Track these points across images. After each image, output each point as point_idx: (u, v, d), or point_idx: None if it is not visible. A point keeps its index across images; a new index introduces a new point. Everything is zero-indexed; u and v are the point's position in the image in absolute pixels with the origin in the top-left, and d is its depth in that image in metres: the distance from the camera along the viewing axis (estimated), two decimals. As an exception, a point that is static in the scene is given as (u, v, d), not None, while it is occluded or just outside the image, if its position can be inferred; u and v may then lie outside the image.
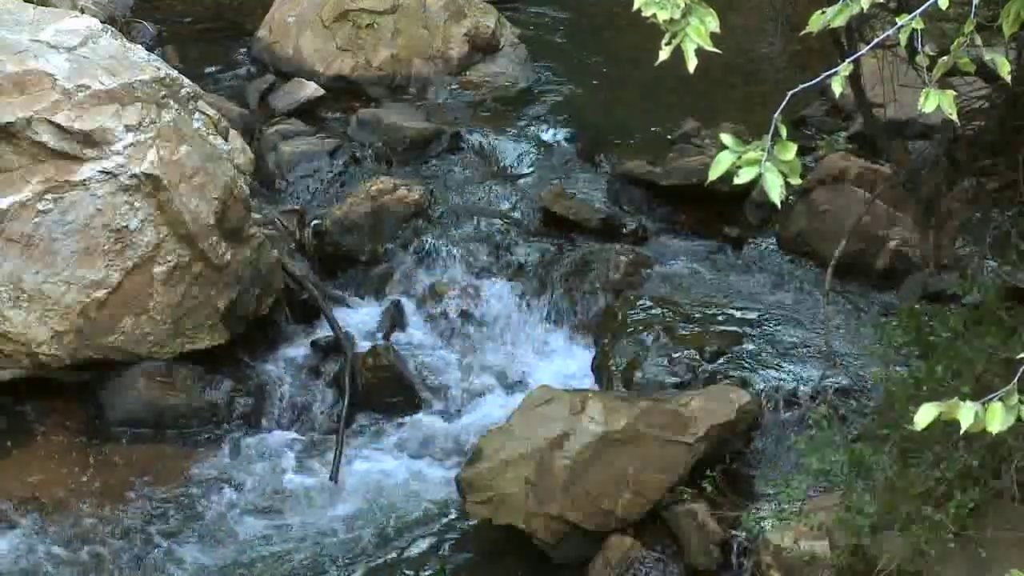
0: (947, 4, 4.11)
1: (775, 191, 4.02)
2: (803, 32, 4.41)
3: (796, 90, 4.25)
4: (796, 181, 4.05)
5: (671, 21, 4.12)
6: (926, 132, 10.17)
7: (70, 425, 9.69)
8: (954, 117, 4.25)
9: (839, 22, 4.26)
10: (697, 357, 9.69)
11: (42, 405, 9.73)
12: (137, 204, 9.48)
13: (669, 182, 11.37)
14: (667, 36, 4.15)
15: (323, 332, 10.32)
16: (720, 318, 10.17)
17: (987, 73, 5.99)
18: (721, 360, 9.70)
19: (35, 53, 9.54)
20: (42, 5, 10.71)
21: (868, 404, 8.66)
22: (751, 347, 9.89)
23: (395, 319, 10.54)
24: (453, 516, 9.14)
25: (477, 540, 9.00)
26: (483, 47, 13.33)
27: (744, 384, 9.38)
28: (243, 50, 13.47)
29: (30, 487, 9.23)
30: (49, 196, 9.37)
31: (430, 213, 11.12)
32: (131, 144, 9.45)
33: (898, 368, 7.76)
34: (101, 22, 10.20)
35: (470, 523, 8.97)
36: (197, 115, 9.98)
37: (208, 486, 9.36)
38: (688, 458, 8.69)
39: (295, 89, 12.71)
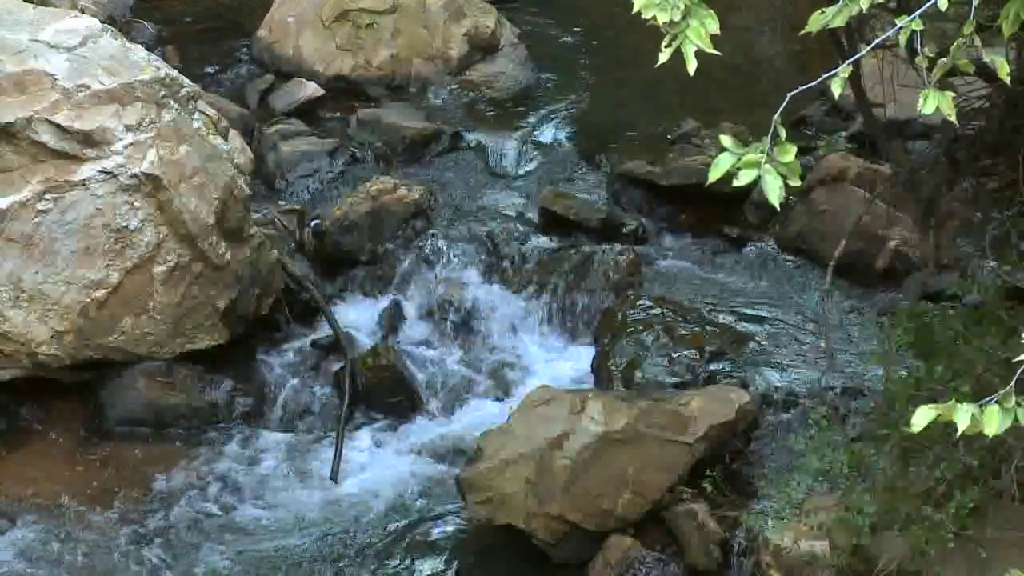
0: (947, 5, 4.11)
1: (774, 193, 4.03)
2: (803, 32, 4.41)
3: (796, 91, 4.26)
4: (796, 183, 4.05)
5: (671, 23, 4.12)
6: (926, 132, 10.18)
7: (70, 425, 9.69)
8: (953, 119, 4.25)
9: (839, 22, 4.27)
10: (697, 357, 9.69)
11: (42, 405, 9.73)
12: (137, 204, 9.48)
13: (669, 182, 11.37)
14: (667, 38, 4.15)
15: (323, 332, 10.32)
16: (720, 318, 10.17)
17: (987, 73, 6.00)
18: (721, 360, 9.70)
19: (35, 53, 9.54)
20: (42, 5, 10.70)
21: (868, 404, 8.65)
22: (751, 347, 9.89)
23: (395, 319, 10.54)
24: (453, 516, 9.14)
25: (477, 540, 8.99)
26: (483, 47, 13.33)
27: (744, 384, 9.38)
28: (243, 50, 13.46)
29: (30, 487, 9.23)
30: (49, 196, 9.37)
31: (430, 213, 11.11)
32: (131, 144, 9.45)
33: (898, 367, 7.76)
34: (101, 22, 10.20)
35: (470, 523, 8.97)
36: (197, 115, 9.98)
37: (208, 486, 9.37)
38: (688, 458, 8.69)
39: (295, 89, 12.71)
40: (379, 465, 9.63)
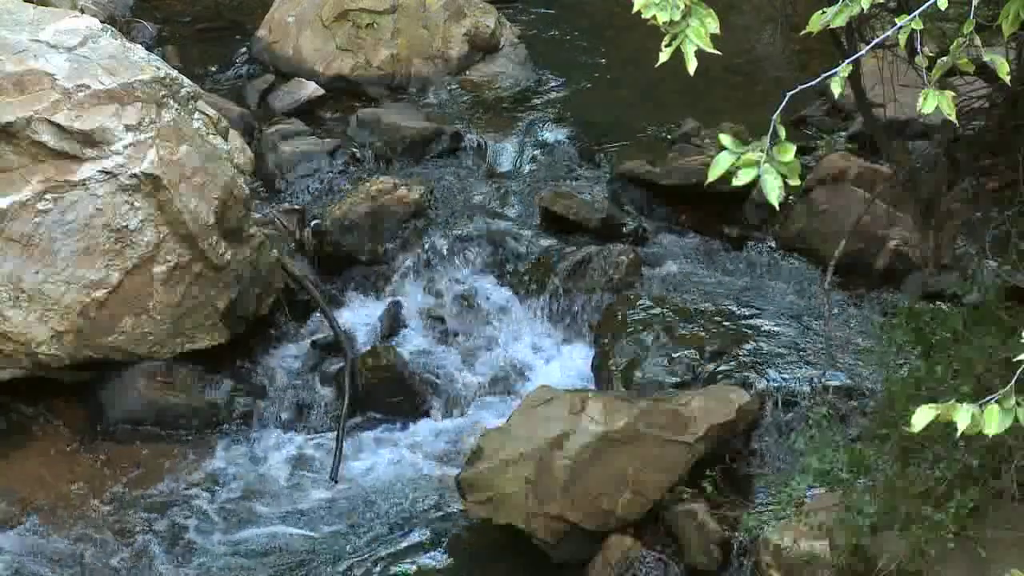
0: (947, 4, 4.11)
1: (773, 193, 4.03)
2: (803, 32, 4.41)
3: (795, 90, 4.26)
4: (795, 182, 4.05)
5: (671, 23, 4.12)
6: (926, 132, 10.17)
7: (70, 425, 9.69)
8: (953, 118, 4.25)
9: (839, 22, 4.27)
10: (697, 357, 9.69)
11: (42, 405, 9.73)
12: (137, 204, 9.48)
13: (669, 182, 11.36)
14: (667, 38, 4.15)
15: (323, 332, 10.32)
16: (720, 318, 10.17)
17: (987, 73, 6.00)
18: (721, 360, 9.69)
19: (35, 53, 9.54)
20: (42, 5, 10.70)
21: (868, 404, 8.65)
22: (751, 347, 9.89)
23: (395, 319, 10.54)
24: (453, 516, 9.14)
25: (477, 540, 9.00)
26: (483, 47, 13.33)
27: (744, 384, 9.38)
28: (243, 50, 13.46)
29: (30, 487, 9.23)
30: (49, 196, 9.37)
31: (430, 213, 11.11)
32: (131, 144, 9.45)
33: (898, 367, 7.76)
34: (101, 22, 10.20)
35: (470, 523, 8.97)
36: (197, 115, 9.98)
37: (208, 486, 9.37)
38: (688, 458, 8.69)
39: (295, 89, 12.71)
40: (379, 465, 9.63)
